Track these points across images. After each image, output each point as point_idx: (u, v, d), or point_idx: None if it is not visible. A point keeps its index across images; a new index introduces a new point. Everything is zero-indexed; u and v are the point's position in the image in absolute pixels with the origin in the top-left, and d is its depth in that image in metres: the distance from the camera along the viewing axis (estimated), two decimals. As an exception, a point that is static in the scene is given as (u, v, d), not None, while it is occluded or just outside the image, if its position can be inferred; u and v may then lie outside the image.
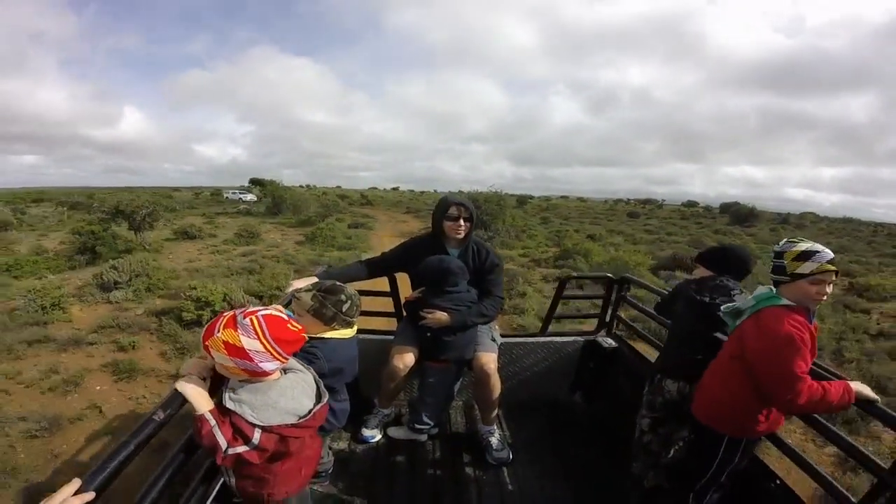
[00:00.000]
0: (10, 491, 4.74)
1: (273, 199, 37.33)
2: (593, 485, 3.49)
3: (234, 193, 59.23)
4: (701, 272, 3.01)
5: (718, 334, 2.73)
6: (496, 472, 3.55)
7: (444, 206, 3.49)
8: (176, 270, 13.26)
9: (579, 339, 4.56)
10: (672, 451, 3.03)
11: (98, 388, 6.74)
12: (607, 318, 4.59)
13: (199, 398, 1.84)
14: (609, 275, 4.50)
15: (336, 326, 2.60)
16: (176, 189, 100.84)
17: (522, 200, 69.45)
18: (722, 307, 2.62)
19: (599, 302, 4.99)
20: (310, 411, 1.98)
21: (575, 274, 4.48)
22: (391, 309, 4.22)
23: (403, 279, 3.78)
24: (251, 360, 1.82)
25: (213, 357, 1.85)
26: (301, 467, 2.16)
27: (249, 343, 1.81)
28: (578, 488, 3.45)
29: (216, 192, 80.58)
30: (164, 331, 8.46)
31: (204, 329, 1.88)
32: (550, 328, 4.65)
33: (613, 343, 4.43)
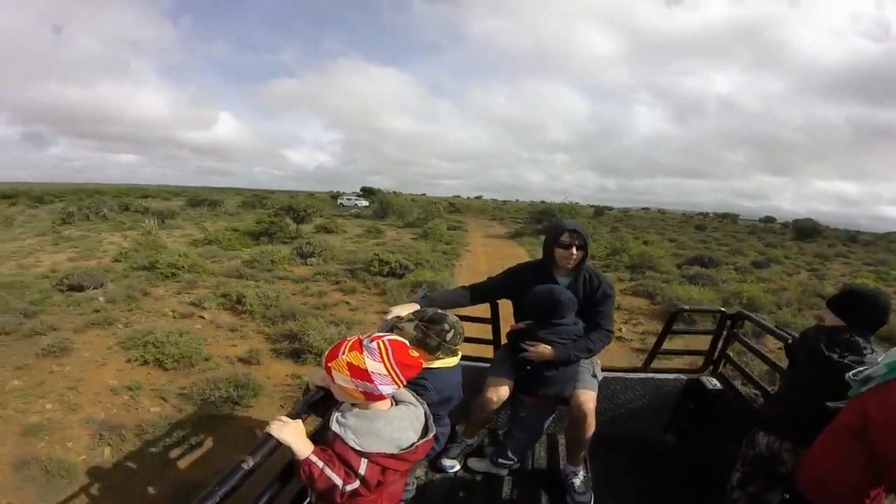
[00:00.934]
0: (320, 321, 8.77)
1: (381, 204, 43.17)
2: None
3: (348, 199, 66.42)
4: (830, 319, 2.68)
5: (832, 403, 2.37)
6: None
7: (556, 232, 3.34)
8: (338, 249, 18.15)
9: (682, 377, 4.32)
10: None
11: (335, 296, 11.40)
12: (715, 357, 4.27)
13: (300, 441, 1.85)
14: (722, 309, 4.12)
15: (440, 356, 2.64)
16: (270, 192, 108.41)
17: (599, 211, 72.53)
18: (850, 374, 2.24)
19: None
20: (412, 444, 1.96)
21: (686, 307, 4.50)
22: (488, 335, 4.10)
23: (505, 305, 3.73)
24: (372, 381, 1.87)
25: (332, 378, 1.92)
26: (382, 502, 2.09)
27: (374, 366, 1.88)
28: None
29: (311, 195, 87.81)
30: (358, 277, 13.09)
31: (326, 352, 1.97)
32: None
33: (718, 385, 4.16)
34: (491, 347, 4.09)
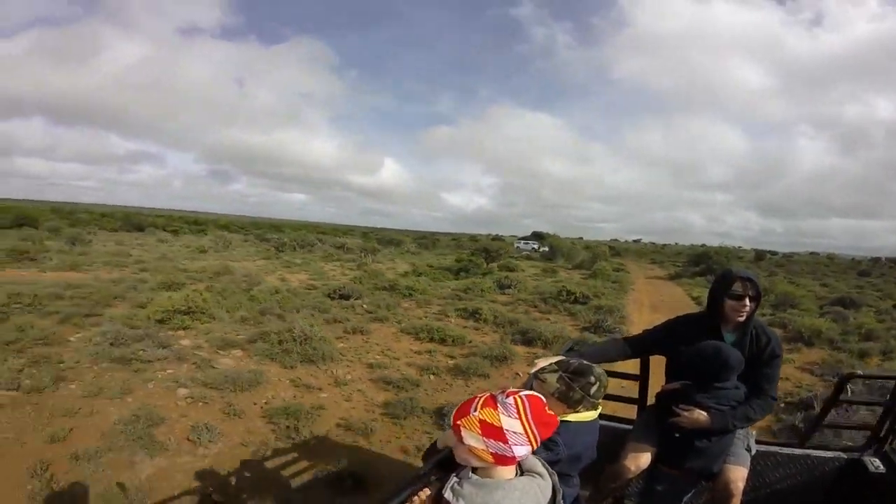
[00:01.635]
0: (542, 323, 11.64)
1: (551, 247, 46.91)
2: None
3: (525, 243, 70.29)
4: None
5: None
6: None
7: (726, 281, 3.02)
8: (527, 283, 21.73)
9: (842, 455, 3.69)
10: None
11: (536, 315, 14.67)
12: (882, 433, 3.65)
13: None
14: None
15: (580, 409, 2.50)
16: (430, 233, 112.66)
17: (760, 255, 69.21)
18: None
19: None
20: None
21: (860, 372, 3.83)
22: (630, 392, 3.82)
23: (656, 362, 3.51)
24: (506, 441, 1.71)
25: (461, 438, 1.74)
26: None
27: (509, 423, 1.72)
28: None
29: (474, 238, 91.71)
30: (549, 303, 16.19)
31: (455, 409, 1.83)
32: None
33: (882, 468, 3.52)
34: (634, 408, 3.81)
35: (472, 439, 1.72)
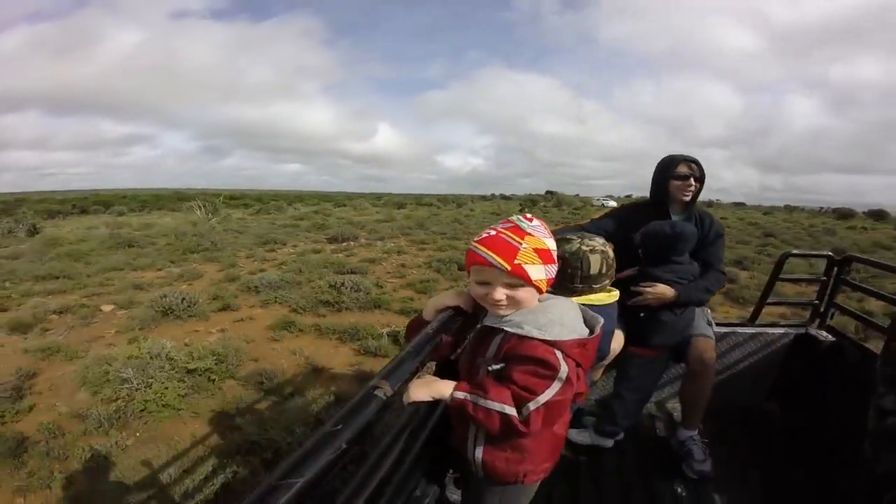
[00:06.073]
0: None
1: (557, 201, 61.70)
2: None
3: (601, 201, 76.90)
4: None
5: None
6: (697, 487, 2.95)
7: (670, 164, 3.00)
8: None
9: (790, 331, 3.81)
10: None
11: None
12: (822, 307, 3.76)
13: (438, 387, 1.49)
14: (830, 253, 3.66)
15: (584, 291, 2.17)
16: (425, 195, 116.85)
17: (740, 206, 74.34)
18: None
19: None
20: (591, 333, 1.53)
21: (795, 251, 3.74)
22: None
23: None
24: (553, 262, 1.52)
25: (527, 275, 1.45)
26: (562, 433, 1.73)
27: (551, 243, 1.51)
28: None
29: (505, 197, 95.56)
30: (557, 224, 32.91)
31: (490, 252, 1.47)
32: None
33: (831, 337, 3.67)
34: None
35: (536, 271, 1.46)
